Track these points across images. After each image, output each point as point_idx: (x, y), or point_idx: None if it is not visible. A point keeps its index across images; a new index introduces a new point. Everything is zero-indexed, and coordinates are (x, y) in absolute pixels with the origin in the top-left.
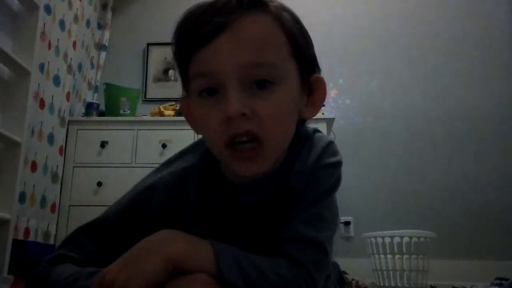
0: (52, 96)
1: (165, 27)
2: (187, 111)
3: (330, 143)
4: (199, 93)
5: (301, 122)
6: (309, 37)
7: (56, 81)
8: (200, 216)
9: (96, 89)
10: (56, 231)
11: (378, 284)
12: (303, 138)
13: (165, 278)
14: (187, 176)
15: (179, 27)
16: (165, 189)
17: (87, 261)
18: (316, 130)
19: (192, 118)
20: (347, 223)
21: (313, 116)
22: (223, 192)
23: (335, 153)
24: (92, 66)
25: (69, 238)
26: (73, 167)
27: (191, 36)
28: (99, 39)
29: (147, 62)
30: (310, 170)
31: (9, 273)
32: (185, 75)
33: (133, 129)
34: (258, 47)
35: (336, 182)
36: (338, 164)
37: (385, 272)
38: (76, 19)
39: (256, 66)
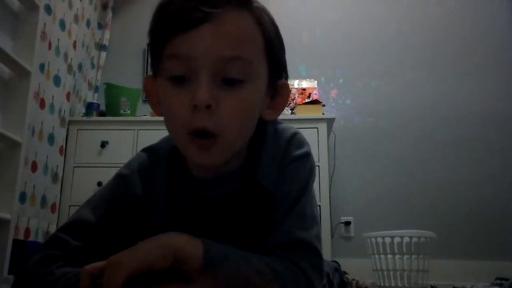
0: (53, 96)
1: None
2: (150, 90)
3: (295, 135)
4: (169, 78)
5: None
6: (283, 42)
7: (57, 81)
8: (169, 210)
9: (96, 89)
10: None
11: (378, 284)
12: (268, 133)
13: (164, 264)
14: (157, 166)
15: (164, 6)
16: (138, 180)
17: (76, 257)
18: (279, 122)
19: (154, 98)
20: (347, 223)
21: (273, 118)
22: (190, 186)
23: (301, 144)
24: (93, 66)
25: (52, 238)
26: (73, 167)
27: (176, 18)
28: (100, 39)
29: (147, 62)
30: (278, 166)
31: (9, 273)
32: (158, 55)
33: (133, 129)
34: (237, 41)
35: (310, 174)
36: (307, 155)
37: (385, 272)
38: (76, 19)
39: (232, 60)
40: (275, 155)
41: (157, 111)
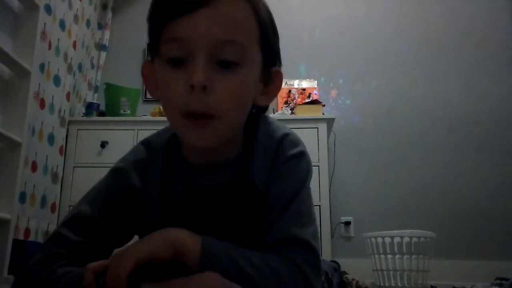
0: (52, 96)
1: None
2: (147, 74)
3: (286, 135)
4: (167, 60)
5: (258, 109)
6: (277, 30)
7: (56, 81)
8: (164, 200)
9: (96, 89)
10: None
11: (378, 284)
12: (258, 130)
13: (166, 255)
14: (153, 157)
15: None
16: (134, 172)
17: (77, 254)
18: (272, 122)
19: (152, 82)
20: (347, 223)
21: (265, 104)
22: (185, 176)
23: (294, 144)
24: (92, 66)
25: (52, 236)
26: (73, 167)
27: (174, 2)
28: (99, 39)
29: None
30: (271, 166)
31: (9, 273)
32: (156, 39)
33: (133, 129)
34: (233, 26)
35: (306, 173)
36: (302, 153)
37: (385, 272)
38: (76, 19)
39: (227, 43)
40: (266, 155)
41: (154, 95)
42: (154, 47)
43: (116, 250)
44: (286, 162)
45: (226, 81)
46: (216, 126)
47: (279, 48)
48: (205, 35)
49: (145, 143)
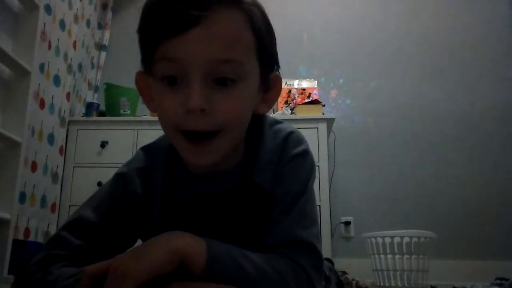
0: (52, 96)
1: None
2: (142, 86)
3: (291, 133)
4: (161, 79)
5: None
6: (274, 34)
7: (56, 81)
8: (167, 207)
9: (96, 89)
10: None
11: (378, 284)
12: (264, 132)
13: (172, 268)
14: (155, 163)
15: (152, 7)
16: (136, 178)
17: (78, 257)
18: (276, 122)
19: (147, 94)
20: (347, 223)
21: (266, 112)
22: (187, 183)
23: (298, 142)
24: (93, 66)
25: (55, 237)
26: (73, 167)
27: (165, 22)
28: (99, 39)
29: None
30: (276, 165)
31: (9, 273)
32: (148, 57)
33: (133, 129)
34: (228, 44)
35: (310, 172)
36: (305, 152)
37: (385, 272)
38: (76, 19)
39: (223, 63)
40: (272, 155)
41: (150, 107)
42: (146, 63)
43: (117, 256)
44: (290, 161)
45: (225, 100)
46: (216, 143)
47: (276, 52)
48: (200, 56)
49: (147, 148)
